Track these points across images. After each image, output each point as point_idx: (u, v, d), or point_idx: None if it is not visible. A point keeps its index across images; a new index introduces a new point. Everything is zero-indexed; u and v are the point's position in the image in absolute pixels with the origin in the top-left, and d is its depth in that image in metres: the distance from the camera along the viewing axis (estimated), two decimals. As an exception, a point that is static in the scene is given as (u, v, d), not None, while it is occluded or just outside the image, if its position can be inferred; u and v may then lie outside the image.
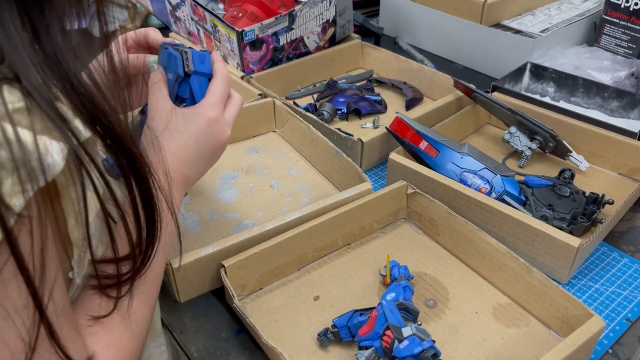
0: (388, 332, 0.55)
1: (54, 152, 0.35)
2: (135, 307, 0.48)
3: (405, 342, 0.53)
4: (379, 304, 0.58)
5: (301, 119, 0.88)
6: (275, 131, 0.97)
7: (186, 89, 0.59)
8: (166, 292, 0.69)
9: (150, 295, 0.51)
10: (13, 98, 0.33)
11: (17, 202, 0.33)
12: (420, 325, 0.56)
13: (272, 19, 1.02)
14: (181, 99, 0.60)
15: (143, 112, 0.61)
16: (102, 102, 0.38)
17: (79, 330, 0.43)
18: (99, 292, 0.45)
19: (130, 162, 0.41)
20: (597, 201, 0.75)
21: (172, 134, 0.55)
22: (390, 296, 0.59)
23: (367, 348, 0.56)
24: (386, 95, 1.07)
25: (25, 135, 0.33)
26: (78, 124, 0.37)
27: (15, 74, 0.34)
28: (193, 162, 0.56)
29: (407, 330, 0.54)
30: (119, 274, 0.45)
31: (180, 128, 0.55)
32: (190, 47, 0.60)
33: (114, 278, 0.45)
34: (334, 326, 0.60)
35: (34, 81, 0.34)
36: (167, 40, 0.63)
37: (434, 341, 0.54)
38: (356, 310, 0.61)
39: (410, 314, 0.58)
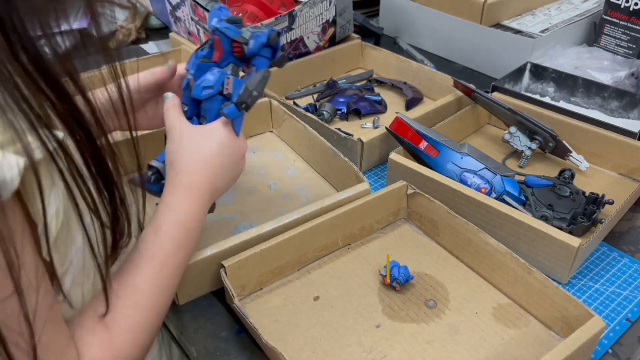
0: (235, 45, 0.62)
1: (5, 167, 0.35)
2: (142, 316, 0.49)
3: (252, 42, 0.60)
4: (212, 31, 0.63)
5: (298, 119, 0.88)
6: (272, 131, 0.97)
7: (210, 109, 0.62)
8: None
9: (159, 308, 0.52)
10: None
11: None
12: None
13: (272, 19, 1.02)
14: (203, 116, 0.63)
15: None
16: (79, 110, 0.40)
17: (67, 337, 0.44)
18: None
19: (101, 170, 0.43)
20: (597, 201, 0.75)
21: (194, 148, 0.58)
22: (215, 20, 0.63)
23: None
24: (386, 95, 1.07)
25: None
26: (35, 137, 0.37)
27: None
28: (219, 172, 0.59)
29: (246, 33, 0.62)
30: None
31: (202, 141, 0.58)
32: (229, 72, 0.63)
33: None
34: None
35: None
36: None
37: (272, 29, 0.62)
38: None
39: (237, 22, 0.63)
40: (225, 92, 0.60)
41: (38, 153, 0.37)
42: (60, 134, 0.39)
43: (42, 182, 0.38)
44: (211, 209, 0.64)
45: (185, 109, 0.63)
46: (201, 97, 0.60)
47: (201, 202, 0.57)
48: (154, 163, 0.62)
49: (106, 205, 0.44)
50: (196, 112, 0.63)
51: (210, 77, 0.61)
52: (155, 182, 0.60)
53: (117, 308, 0.48)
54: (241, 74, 0.64)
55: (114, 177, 0.44)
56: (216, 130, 0.59)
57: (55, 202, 0.40)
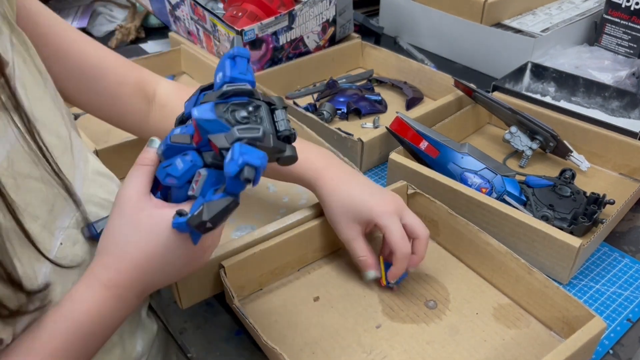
0: (212, 143, 0.43)
1: None
2: None
3: (228, 156, 0.40)
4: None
5: (296, 120, 0.88)
6: (273, 131, 0.97)
7: (173, 194, 0.48)
8: (166, 293, 0.69)
9: None
10: None
11: None
12: (254, 109, 0.45)
13: (272, 18, 1.02)
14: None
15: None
16: None
17: None
18: None
19: None
20: (598, 201, 0.75)
21: (135, 236, 0.46)
22: (219, 76, 0.45)
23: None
24: (386, 95, 1.07)
25: None
26: None
27: None
28: (158, 271, 0.47)
29: (232, 133, 0.42)
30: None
31: (148, 231, 0.46)
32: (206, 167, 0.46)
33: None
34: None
35: None
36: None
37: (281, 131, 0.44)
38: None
39: (243, 93, 0.45)
40: (190, 192, 0.46)
41: None
42: None
43: None
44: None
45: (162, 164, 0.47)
46: (163, 182, 0.47)
47: (120, 303, 0.46)
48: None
49: None
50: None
51: (180, 164, 0.45)
52: None
53: None
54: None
55: None
56: (168, 227, 0.45)
57: None
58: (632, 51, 1.11)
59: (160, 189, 0.49)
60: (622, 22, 1.11)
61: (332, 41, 1.15)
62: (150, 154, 0.48)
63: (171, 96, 0.67)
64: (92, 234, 0.49)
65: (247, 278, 0.65)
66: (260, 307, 0.65)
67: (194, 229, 0.44)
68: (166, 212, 0.46)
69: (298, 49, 1.10)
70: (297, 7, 1.05)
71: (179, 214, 0.45)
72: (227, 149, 0.41)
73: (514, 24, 1.20)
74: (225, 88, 0.45)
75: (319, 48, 1.13)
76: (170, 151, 0.47)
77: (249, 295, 0.66)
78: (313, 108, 0.99)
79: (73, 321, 0.44)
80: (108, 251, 0.46)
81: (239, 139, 0.42)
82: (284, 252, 0.67)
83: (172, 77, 1.06)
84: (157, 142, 0.49)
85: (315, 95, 1.04)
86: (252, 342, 0.62)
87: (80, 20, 1.28)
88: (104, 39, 1.31)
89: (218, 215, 0.43)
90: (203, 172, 0.45)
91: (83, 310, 0.44)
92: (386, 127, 0.85)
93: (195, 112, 0.44)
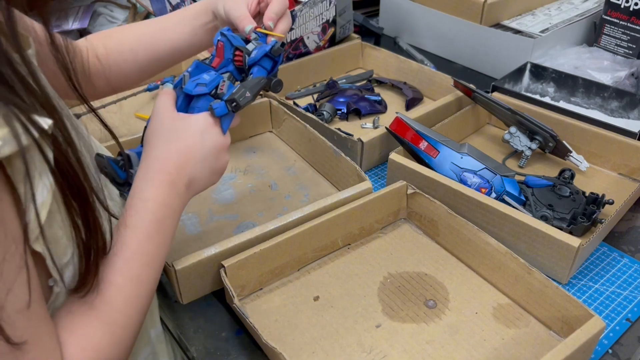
0: (237, 52, 0.63)
1: None
2: (117, 310, 0.47)
3: (254, 51, 0.62)
4: (218, 36, 0.63)
5: (298, 119, 0.88)
6: (271, 131, 0.97)
7: (199, 108, 0.60)
8: (165, 293, 0.69)
9: (136, 299, 0.49)
10: None
11: None
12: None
13: (272, 19, 1.02)
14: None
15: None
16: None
17: (51, 334, 0.43)
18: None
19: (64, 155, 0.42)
20: (597, 201, 0.75)
21: (174, 133, 0.56)
22: (225, 29, 0.65)
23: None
24: (386, 95, 1.07)
25: None
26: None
27: None
28: (198, 162, 0.56)
29: (250, 45, 0.63)
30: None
31: (184, 128, 0.57)
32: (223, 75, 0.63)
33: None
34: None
35: None
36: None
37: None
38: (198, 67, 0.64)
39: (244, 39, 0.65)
40: (219, 92, 0.60)
41: (24, 139, 0.37)
42: (47, 121, 0.38)
43: (30, 168, 0.38)
44: None
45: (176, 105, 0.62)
46: (193, 92, 0.59)
47: (174, 190, 0.54)
48: (127, 151, 0.60)
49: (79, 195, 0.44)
50: (184, 110, 0.61)
51: (206, 77, 0.60)
52: (123, 169, 0.58)
53: (96, 305, 0.46)
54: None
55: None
56: (201, 120, 0.57)
57: (43, 192, 0.40)
58: (631, 52, 1.11)
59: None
60: (621, 22, 1.11)
61: (332, 42, 1.15)
62: (168, 88, 0.62)
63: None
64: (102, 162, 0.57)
65: (247, 278, 0.65)
66: (260, 307, 0.65)
67: (234, 100, 0.58)
68: (196, 116, 0.58)
69: (298, 49, 1.10)
70: (297, 7, 1.05)
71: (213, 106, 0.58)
72: (250, 52, 0.62)
73: (514, 24, 1.20)
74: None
75: (319, 48, 1.13)
76: (196, 70, 0.62)
77: (249, 295, 0.66)
78: (313, 108, 0.99)
79: (146, 210, 0.52)
80: (154, 147, 0.56)
81: (260, 45, 0.63)
82: (284, 252, 0.67)
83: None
84: (170, 84, 0.63)
85: (315, 96, 1.04)
86: (253, 342, 0.62)
87: (81, 21, 1.28)
88: (104, 40, 1.31)
89: (254, 86, 0.60)
90: (226, 81, 0.61)
91: (150, 198, 0.52)
92: (386, 128, 0.85)
93: (224, 31, 0.64)
